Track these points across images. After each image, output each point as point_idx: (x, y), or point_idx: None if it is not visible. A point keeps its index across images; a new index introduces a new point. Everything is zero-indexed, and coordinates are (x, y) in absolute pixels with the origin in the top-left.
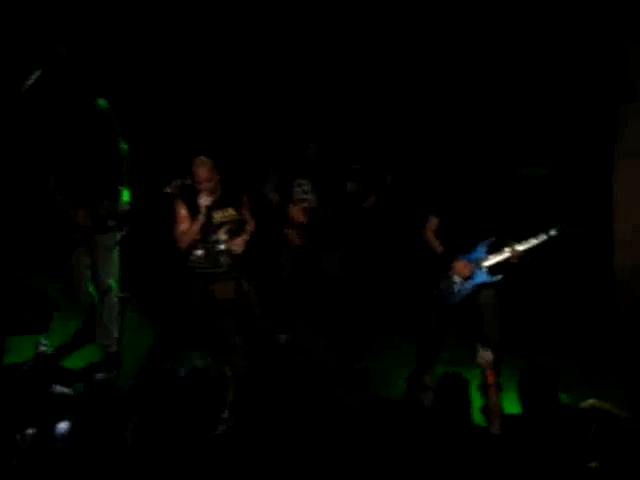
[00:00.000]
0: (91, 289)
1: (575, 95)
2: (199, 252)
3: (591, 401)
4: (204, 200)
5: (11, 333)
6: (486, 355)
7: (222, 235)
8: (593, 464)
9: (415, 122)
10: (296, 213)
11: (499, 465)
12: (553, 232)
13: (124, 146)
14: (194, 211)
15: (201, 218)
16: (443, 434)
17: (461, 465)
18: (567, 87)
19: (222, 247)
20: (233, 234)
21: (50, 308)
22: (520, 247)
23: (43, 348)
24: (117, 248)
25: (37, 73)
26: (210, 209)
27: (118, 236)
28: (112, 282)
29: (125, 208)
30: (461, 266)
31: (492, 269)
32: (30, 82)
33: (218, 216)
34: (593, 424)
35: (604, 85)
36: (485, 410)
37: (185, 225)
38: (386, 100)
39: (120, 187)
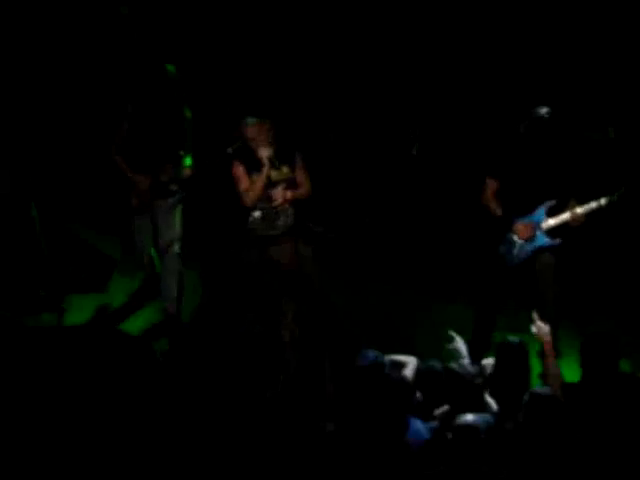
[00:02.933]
0: (152, 251)
1: None
2: (257, 214)
3: None
4: (264, 151)
5: (71, 292)
6: (542, 326)
7: (277, 193)
8: None
9: (474, 81)
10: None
11: (559, 431)
12: (614, 197)
13: (188, 112)
14: (252, 170)
15: (265, 170)
16: (501, 400)
17: (521, 431)
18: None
19: (279, 206)
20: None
21: (110, 268)
22: (580, 210)
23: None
24: (179, 210)
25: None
26: (272, 160)
27: (179, 199)
28: (174, 243)
29: (187, 172)
30: (522, 228)
31: (552, 232)
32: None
33: (274, 174)
34: None
35: None
36: (544, 377)
37: (246, 183)
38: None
39: (182, 152)
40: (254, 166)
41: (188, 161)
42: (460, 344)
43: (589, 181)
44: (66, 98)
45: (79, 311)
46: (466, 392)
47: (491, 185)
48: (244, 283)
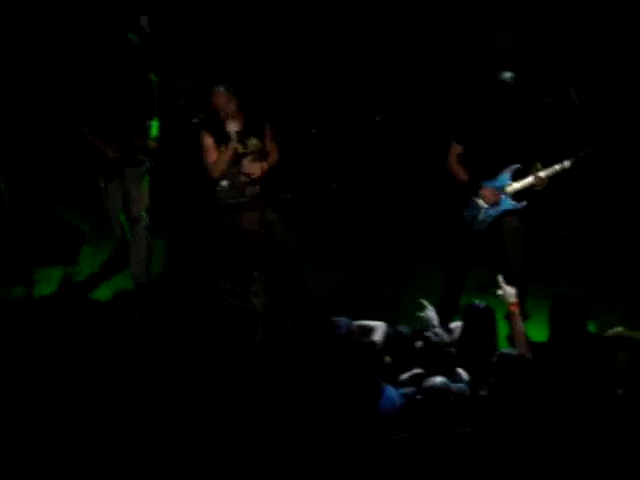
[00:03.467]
0: (122, 219)
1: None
2: (224, 182)
3: (618, 329)
4: (232, 126)
5: (40, 264)
6: (508, 289)
7: (246, 165)
8: (619, 392)
9: (436, 45)
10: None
11: (527, 391)
12: (576, 159)
13: (154, 79)
14: (220, 141)
15: (233, 144)
16: (470, 362)
17: (490, 390)
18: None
19: (245, 178)
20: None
21: (79, 239)
22: (544, 173)
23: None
24: (147, 179)
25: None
26: (240, 134)
27: (147, 167)
28: (142, 212)
29: (154, 141)
30: (487, 192)
31: (517, 196)
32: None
33: (242, 146)
34: (619, 352)
35: None
36: (511, 339)
37: (213, 155)
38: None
39: (149, 121)
40: (222, 137)
41: (155, 129)
42: (431, 312)
43: (553, 144)
44: (30, 70)
45: (49, 283)
46: (439, 360)
47: (455, 150)
48: (214, 251)
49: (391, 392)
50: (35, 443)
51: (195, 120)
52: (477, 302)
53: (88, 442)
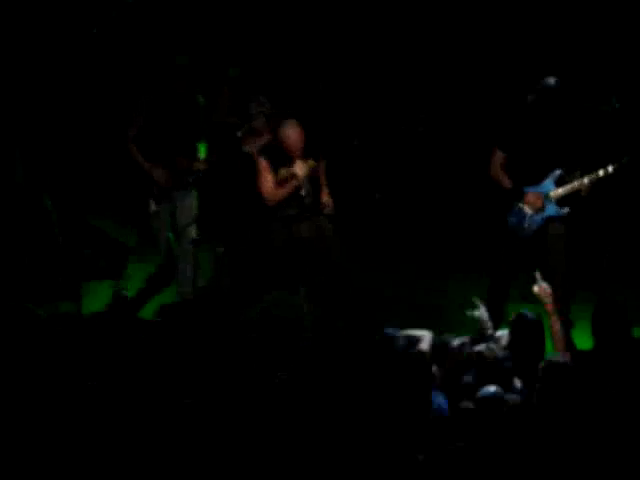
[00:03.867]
0: (170, 235)
1: None
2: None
3: None
4: (300, 169)
5: (88, 278)
6: (544, 285)
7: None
8: None
9: (481, 53)
10: None
11: (571, 400)
12: (619, 164)
13: (202, 100)
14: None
15: (294, 183)
16: (518, 372)
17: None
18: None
19: (303, 193)
20: (312, 180)
21: (125, 254)
22: (588, 179)
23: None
24: (195, 194)
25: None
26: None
27: (194, 182)
28: (191, 228)
29: (202, 165)
30: (531, 198)
31: (561, 201)
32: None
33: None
34: None
35: None
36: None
37: (270, 181)
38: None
39: (197, 143)
40: (280, 162)
41: (202, 150)
42: (483, 312)
43: (596, 150)
44: (82, 90)
45: (96, 298)
46: (493, 372)
47: (499, 157)
48: (269, 262)
49: (440, 400)
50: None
51: (247, 149)
52: (526, 312)
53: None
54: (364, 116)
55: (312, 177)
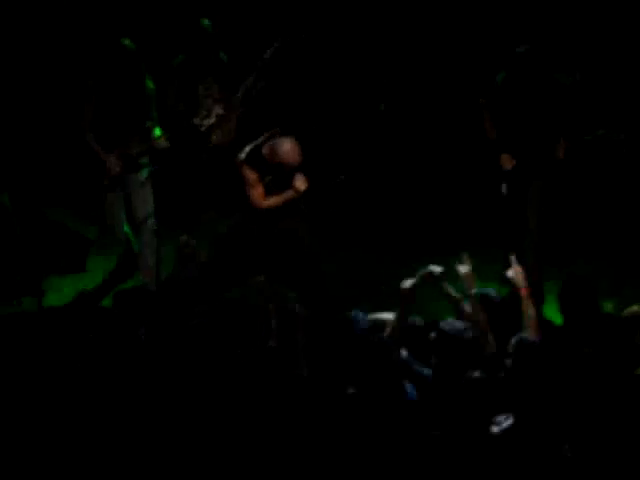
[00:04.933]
0: (126, 226)
1: None
2: None
3: (635, 308)
4: (301, 184)
5: (49, 274)
6: (517, 268)
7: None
8: (639, 371)
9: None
10: None
11: (543, 374)
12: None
13: (150, 84)
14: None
15: (292, 195)
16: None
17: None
18: None
19: None
20: None
21: (86, 247)
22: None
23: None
24: (150, 183)
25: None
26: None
27: (151, 173)
28: (149, 218)
29: (161, 144)
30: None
31: None
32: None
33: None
34: (638, 331)
35: None
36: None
37: (259, 189)
38: None
39: (149, 124)
40: (266, 172)
41: (157, 132)
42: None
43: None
44: (29, 81)
45: (58, 293)
46: (456, 349)
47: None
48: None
49: (409, 389)
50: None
51: (241, 156)
52: (489, 290)
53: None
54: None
55: None
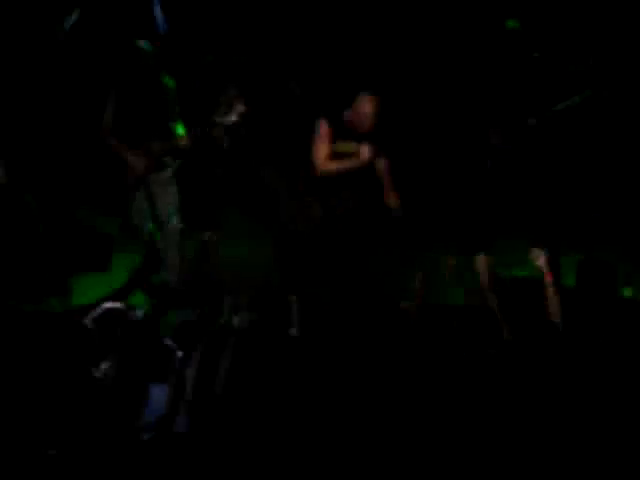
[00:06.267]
0: (150, 225)
1: None
2: None
3: None
4: (366, 152)
5: (73, 272)
6: (540, 255)
7: None
8: None
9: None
10: None
11: (564, 360)
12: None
13: (170, 82)
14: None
15: (354, 163)
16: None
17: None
18: None
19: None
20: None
21: (109, 245)
22: None
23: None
24: (174, 181)
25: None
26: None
27: (174, 171)
28: (172, 216)
29: (182, 142)
30: None
31: None
32: (70, 23)
33: (352, 146)
34: None
35: None
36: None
37: (325, 148)
38: None
39: (171, 123)
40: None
41: (180, 130)
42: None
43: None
44: (51, 84)
45: (84, 292)
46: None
47: None
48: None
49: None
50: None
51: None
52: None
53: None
54: None
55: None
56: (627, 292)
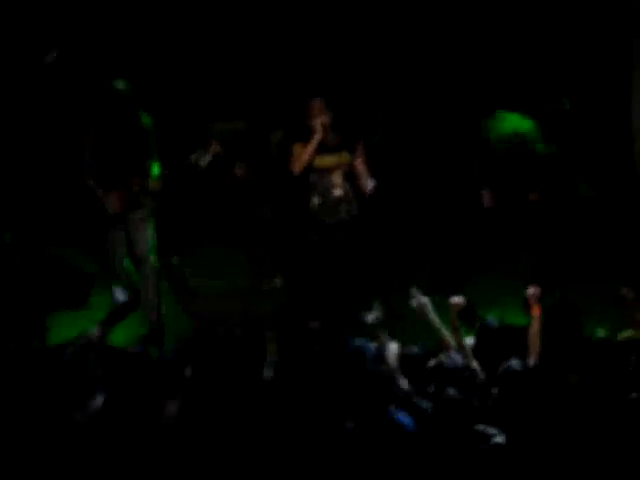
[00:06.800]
0: (127, 263)
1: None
2: (315, 200)
3: (629, 332)
4: (318, 120)
5: (51, 310)
6: (536, 290)
7: (337, 179)
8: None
9: None
10: None
11: (538, 398)
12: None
13: (146, 120)
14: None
15: (317, 136)
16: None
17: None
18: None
19: (339, 193)
20: (348, 178)
21: (88, 283)
22: None
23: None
24: (152, 220)
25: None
26: (325, 127)
27: (150, 210)
28: (149, 254)
29: (156, 182)
30: None
31: None
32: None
33: (332, 159)
34: (632, 356)
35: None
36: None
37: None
38: None
39: (148, 161)
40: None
41: (156, 170)
42: (423, 298)
43: None
44: (31, 121)
45: (63, 330)
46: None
47: None
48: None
49: (403, 419)
50: None
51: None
52: (489, 319)
53: None
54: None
55: (349, 173)
56: (600, 332)
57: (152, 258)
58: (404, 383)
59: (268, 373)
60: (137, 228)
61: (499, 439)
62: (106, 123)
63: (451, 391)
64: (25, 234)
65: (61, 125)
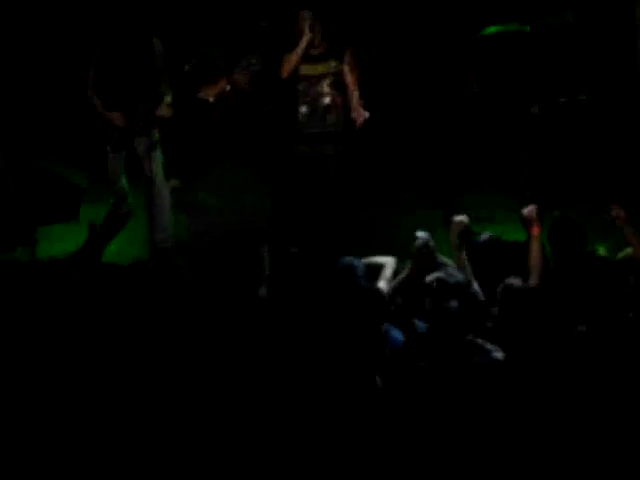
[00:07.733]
0: (125, 182)
1: None
2: (303, 109)
3: (628, 250)
4: (307, 21)
5: (41, 223)
6: (532, 208)
7: (325, 87)
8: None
9: None
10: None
11: (531, 321)
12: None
13: (159, 47)
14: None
15: (305, 38)
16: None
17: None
18: None
19: (327, 101)
20: (337, 87)
21: (79, 196)
22: None
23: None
24: (159, 146)
25: None
26: (312, 26)
27: (159, 139)
28: (159, 173)
29: (167, 109)
30: None
31: None
32: None
33: (320, 67)
34: (631, 274)
35: None
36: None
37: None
38: None
39: (159, 88)
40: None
41: (168, 99)
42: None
43: None
44: (36, 38)
45: (51, 243)
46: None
47: None
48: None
49: (395, 335)
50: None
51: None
52: (481, 235)
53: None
54: None
55: (337, 83)
56: (601, 250)
57: (162, 177)
58: (399, 299)
59: (262, 290)
60: (146, 151)
61: (497, 355)
62: (115, 42)
63: (453, 303)
64: (18, 147)
65: (68, 38)
